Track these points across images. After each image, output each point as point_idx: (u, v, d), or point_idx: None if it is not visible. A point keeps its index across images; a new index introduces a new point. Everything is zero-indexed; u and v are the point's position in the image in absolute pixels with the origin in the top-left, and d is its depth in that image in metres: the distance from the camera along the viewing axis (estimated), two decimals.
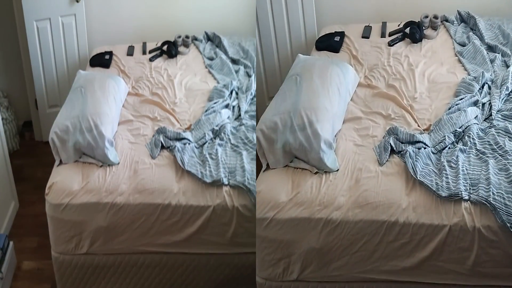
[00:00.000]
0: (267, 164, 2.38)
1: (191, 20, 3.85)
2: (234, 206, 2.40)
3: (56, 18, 3.66)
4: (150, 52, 3.63)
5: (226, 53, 3.53)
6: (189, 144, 2.67)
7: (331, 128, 2.39)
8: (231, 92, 3.07)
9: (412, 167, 2.14)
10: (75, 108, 2.74)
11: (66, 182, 2.49)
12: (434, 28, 3.20)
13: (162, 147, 2.65)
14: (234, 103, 3.00)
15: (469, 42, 3.01)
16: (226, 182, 2.42)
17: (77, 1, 3.64)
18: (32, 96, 3.90)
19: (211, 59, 3.52)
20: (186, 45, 3.68)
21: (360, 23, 3.36)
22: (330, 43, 3.20)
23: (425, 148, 2.28)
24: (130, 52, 3.67)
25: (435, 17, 3.20)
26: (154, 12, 3.87)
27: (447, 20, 3.27)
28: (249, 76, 3.27)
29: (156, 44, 3.68)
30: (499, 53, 2.87)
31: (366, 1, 3.50)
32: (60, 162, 2.62)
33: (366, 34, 3.27)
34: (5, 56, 3.95)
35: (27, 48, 3.67)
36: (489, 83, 2.62)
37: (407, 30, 3.15)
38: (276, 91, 2.62)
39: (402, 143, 2.30)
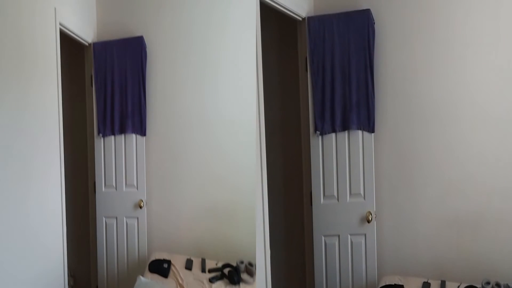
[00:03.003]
0: None
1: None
2: None
3: (122, 218, 3.94)
4: (210, 271, 3.62)
5: None
6: None
7: None
8: None
9: None
10: None
11: None
12: None
13: None
14: None
15: None
16: None
17: (140, 207, 3.89)
18: (94, 283, 4.08)
19: None
20: (250, 273, 3.54)
21: (419, 277, 3.32)
22: None
23: None
24: (189, 265, 3.70)
25: (497, 284, 3.10)
26: (213, 231, 3.90)
27: None
28: None
29: (216, 264, 3.68)
30: None
31: (427, 255, 3.47)
32: None
33: None
34: (78, 242, 4.20)
35: (96, 238, 3.94)
36: None
37: None
38: None
39: None
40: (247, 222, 3.71)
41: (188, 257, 3.80)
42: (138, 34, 3.91)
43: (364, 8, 3.47)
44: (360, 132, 3.44)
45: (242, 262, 3.61)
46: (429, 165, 3.41)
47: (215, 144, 3.81)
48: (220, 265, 3.67)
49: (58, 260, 3.41)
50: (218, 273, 3.61)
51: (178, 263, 3.74)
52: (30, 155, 3.01)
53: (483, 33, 3.28)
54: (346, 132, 3.46)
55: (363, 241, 3.46)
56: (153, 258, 3.80)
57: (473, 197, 3.32)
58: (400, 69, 3.47)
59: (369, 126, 3.43)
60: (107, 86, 3.89)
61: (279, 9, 3.29)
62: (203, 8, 3.80)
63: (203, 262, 3.75)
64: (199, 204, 3.90)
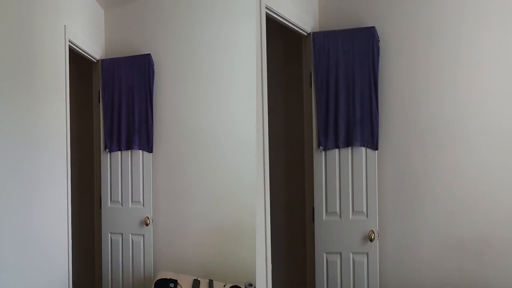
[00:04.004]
0: None
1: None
2: None
3: (127, 235, 3.93)
4: None
5: None
6: None
7: None
8: None
9: None
10: None
11: None
12: None
13: None
14: None
15: None
16: None
17: (146, 225, 3.89)
18: None
19: None
20: None
21: None
22: None
23: None
24: (196, 286, 3.67)
25: None
26: (220, 251, 3.91)
27: None
28: None
29: (224, 286, 3.65)
30: None
31: (429, 277, 3.37)
32: None
33: None
34: (83, 257, 4.22)
35: (101, 254, 3.95)
36: None
37: None
38: None
39: None
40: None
41: (195, 277, 3.77)
42: (146, 52, 3.96)
43: (369, 25, 3.47)
44: (363, 149, 3.40)
45: (250, 285, 3.56)
46: (434, 185, 3.35)
47: (223, 162, 3.81)
48: (228, 286, 3.63)
49: (63, 276, 3.42)
50: None
51: (184, 283, 3.71)
52: (37, 169, 3.04)
53: (492, 51, 3.24)
54: (350, 148, 3.42)
55: (365, 260, 3.40)
56: (159, 277, 3.77)
57: (479, 219, 3.24)
58: (405, 87, 3.44)
59: (372, 143, 3.39)
60: (114, 102, 3.93)
61: (285, 24, 3.30)
62: (210, 26, 3.84)
63: (210, 283, 3.71)
64: (207, 223, 3.88)
